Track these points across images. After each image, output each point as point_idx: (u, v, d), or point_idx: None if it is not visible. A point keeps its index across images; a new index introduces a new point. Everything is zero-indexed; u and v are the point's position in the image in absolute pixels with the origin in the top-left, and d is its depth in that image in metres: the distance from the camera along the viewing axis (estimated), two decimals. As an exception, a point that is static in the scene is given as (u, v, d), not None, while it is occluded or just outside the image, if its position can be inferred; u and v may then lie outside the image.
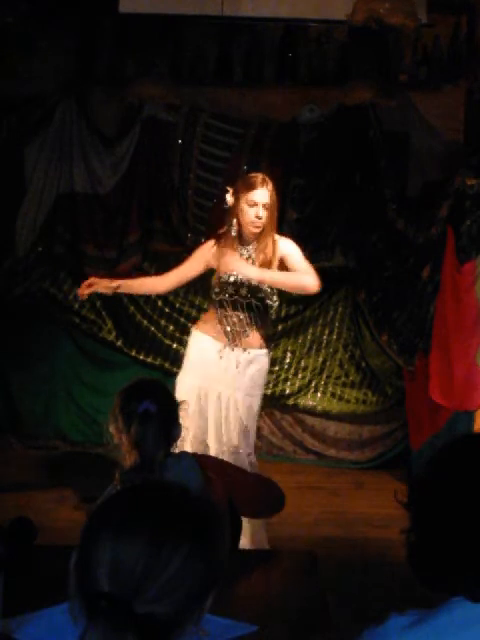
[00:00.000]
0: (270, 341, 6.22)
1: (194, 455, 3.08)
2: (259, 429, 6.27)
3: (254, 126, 6.15)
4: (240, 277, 4.23)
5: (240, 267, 4.21)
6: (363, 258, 6.07)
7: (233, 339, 4.27)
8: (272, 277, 4.26)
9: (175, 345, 6.14)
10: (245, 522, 3.92)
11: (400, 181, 6.07)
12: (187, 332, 6.09)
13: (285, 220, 6.17)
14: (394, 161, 6.01)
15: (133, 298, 6.24)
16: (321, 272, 6.20)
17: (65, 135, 6.13)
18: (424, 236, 5.59)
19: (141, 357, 6.24)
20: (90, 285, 4.34)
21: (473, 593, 1.44)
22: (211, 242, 4.40)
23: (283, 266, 4.34)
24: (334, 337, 6.24)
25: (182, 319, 6.20)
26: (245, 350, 4.28)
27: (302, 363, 6.23)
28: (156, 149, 6.17)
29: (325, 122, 6.09)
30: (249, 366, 4.28)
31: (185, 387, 4.25)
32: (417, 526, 1.52)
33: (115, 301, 6.24)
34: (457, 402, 5.17)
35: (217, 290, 4.28)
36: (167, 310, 6.24)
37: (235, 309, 4.27)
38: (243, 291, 4.26)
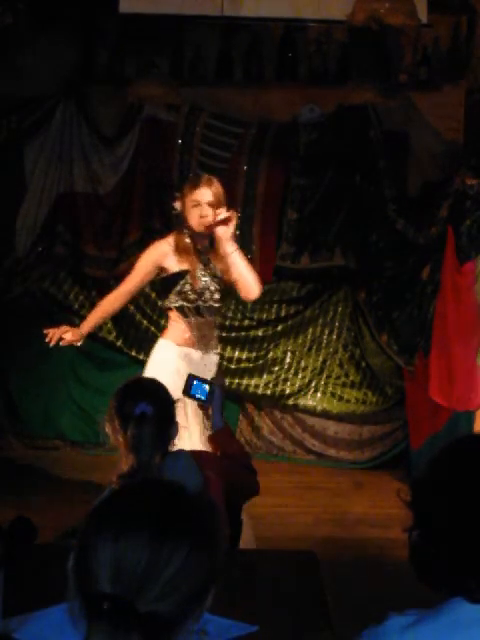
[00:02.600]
0: (272, 337, 6.29)
1: (192, 453, 3.07)
2: (259, 429, 6.29)
3: (254, 126, 6.15)
4: (206, 281, 4.24)
5: (229, 245, 4.20)
6: (363, 258, 6.07)
7: (203, 344, 4.29)
8: (241, 262, 4.26)
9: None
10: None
11: (400, 181, 6.07)
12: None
13: (285, 220, 6.18)
14: (394, 161, 6.01)
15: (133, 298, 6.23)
16: (321, 272, 6.29)
17: (65, 135, 6.13)
18: (424, 236, 5.60)
19: (141, 357, 6.23)
20: (61, 337, 4.24)
21: (472, 594, 1.44)
22: (162, 245, 4.32)
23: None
24: (334, 337, 6.24)
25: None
26: (210, 354, 4.33)
27: (302, 363, 6.23)
28: (156, 149, 6.17)
29: (325, 122, 6.09)
30: (212, 370, 4.31)
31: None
32: (418, 526, 1.52)
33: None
34: (457, 402, 5.18)
35: (193, 297, 4.26)
36: (167, 310, 6.24)
37: (207, 314, 4.29)
38: (216, 296, 4.29)
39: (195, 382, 3.41)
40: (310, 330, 6.27)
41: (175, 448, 3.03)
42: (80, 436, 6.23)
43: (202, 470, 2.92)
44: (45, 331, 4.29)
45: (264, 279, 6.22)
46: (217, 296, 4.30)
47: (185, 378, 4.13)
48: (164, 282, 4.35)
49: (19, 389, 6.28)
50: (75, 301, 6.24)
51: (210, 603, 1.35)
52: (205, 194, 4.22)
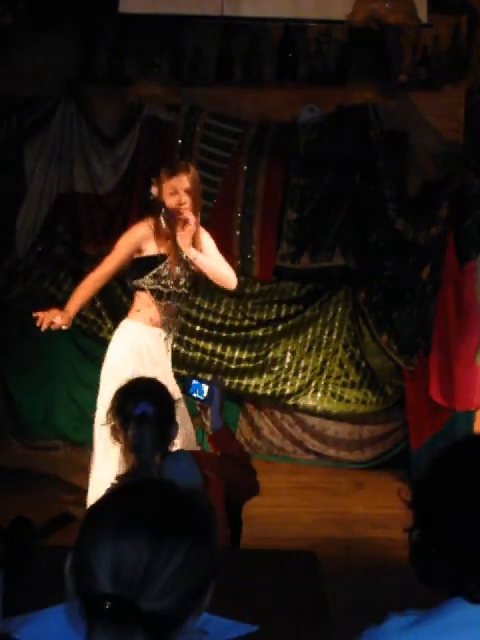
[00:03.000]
0: (272, 337, 6.29)
1: (192, 453, 3.07)
2: (259, 429, 6.29)
3: (254, 126, 6.15)
4: (184, 268, 4.31)
5: (190, 251, 4.30)
6: (363, 258, 6.07)
7: (168, 327, 4.38)
8: (208, 262, 4.37)
9: (174, 345, 6.14)
10: None
11: (400, 181, 6.07)
12: (186, 332, 6.12)
13: (285, 220, 6.18)
14: (394, 161, 6.01)
15: (133, 298, 6.23)
16: (321, 272, 6.28)
17: (65, 135, 6.13)
18: (424, 236, 5.60)
19: (141, 357, 6.24)
20: (44, 317, 4.23)
21: (472, 594, 1.44)
22: (142, 227, 4.32)
23: None
24: (334, 337, 6.24)
25: (181, 319, 6.19)
26: (170, 337, 4.45)
27: (302, 363, 6.23)
28: (156, 149, 6.17)
29: (325, 122, 6.09)
30: (168, 351, 4.46)
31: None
32: (418, 526, 1.52)
33: (115, 301, 6.25)
34: (457, 402, 5.18)
35: (169, 282, 4.31)
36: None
37: (177, 299, 4.37)
38: (187, 282, 4.38)
39: (194, 382, 3.41)
40: (310, 330, 6.26)
41: (175, 448, 3.04)
42: (80, 436, 6.22)
43: (202, 470, 2.93)
44: (34, 314, 4.26)
45: (264, 279, 6.26)
46: (188, 284, 4.40)
47: (151, 358, 4.21)
48: (139, 262, 4.35)
49: (19, 389, 6.28)
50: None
51: (209, 600, 1.36)
52: (183, 181, 4.26)
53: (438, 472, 1.55)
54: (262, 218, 6.16)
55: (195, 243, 4.37)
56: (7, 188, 6.14)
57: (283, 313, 6.25)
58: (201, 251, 4.38)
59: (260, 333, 6.25)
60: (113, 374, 4.27)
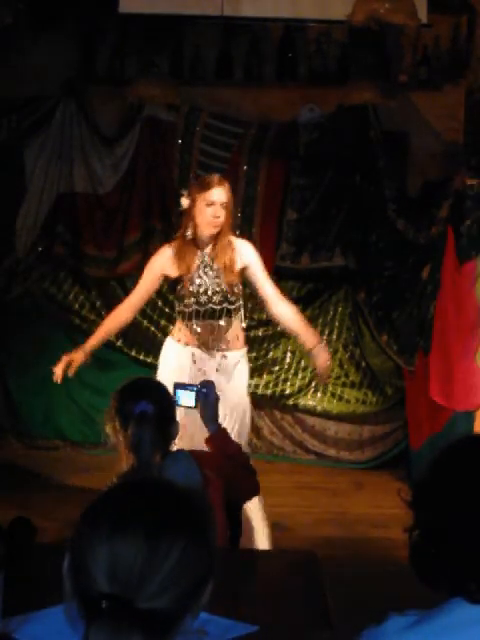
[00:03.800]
0: (272, 337, 6.29)
1: (192, 453, 3.07)
2: (259, 429, 6.28)
3: (254, 126, 6.15)
4: (211, 285, 4.19)
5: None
6: (363, 258, 6.07)
7: (213, 347, 4.23)
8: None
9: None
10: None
11: (400, 181, 6.07)
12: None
13: (285, 220, 6.18)
14: (394, 161, 6.01)
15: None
16: (321, 272, 6.28)
17: (65, 135, 6.13)
18: (424, 236, 5.60)
19: (141, 357, 6.24)
20: (69, 365, 4.24)
21: (472, 594, 1.44)
22: (164, 251, 4.30)
23: (242, 274, 4.31)
24: (334, 337, 6.24)
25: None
26: (226, 354, 4.26)
27: (302, 363, 6.23)
28: (156, 149, 6.17)
29: (325, 122, 6.09)
30: (234, 370, 4.27)
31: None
32: (418, 526, 1.53)
33: (115, 301, 6.23)
34: (457, 402, 5.17)
35: (189, 301, 4.21)
36: (167, 310, 6.23)
37: (211, 317, 4.22)
38: (216, 298, 4.21)
39: (177, 391, 3.37)
40: (310, 330, 6.26)
41: (175, 448, 3.04)
42: (80, 436, 6.23)
43: (202, 470, 2.93)
44: (53, 369, 4.27)
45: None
46: (218, 298, 4.21)
47: (188, 373, 4.15)
48: (171, 287, 4.36)
49: (19, 389, 6.28)
50: (75, 301, 6.24)
51: (207, 599, 1.36)
52: (220, 194, 4.15)
53: (438, 472, 1.55)
54: (262, 218, 6.16)
55: (222, 258, 4.22)
56: (7, 188, 6.14)
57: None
58: (234, 270, 4.23)
59: (260, 333, 6.25)
60: None
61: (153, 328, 6.22)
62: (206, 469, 2.95)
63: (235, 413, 4.20)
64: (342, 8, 4.82)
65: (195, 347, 4.25)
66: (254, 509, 4.09)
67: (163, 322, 6.24)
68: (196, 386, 3.40)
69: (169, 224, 6.20)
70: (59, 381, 4.28)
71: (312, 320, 6.25)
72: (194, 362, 4.23)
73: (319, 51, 6.18)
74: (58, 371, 4.25)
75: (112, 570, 1.28)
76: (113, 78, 6.14)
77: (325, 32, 6.12)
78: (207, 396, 3.33)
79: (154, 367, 6.14)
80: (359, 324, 6.18)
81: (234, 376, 4.27)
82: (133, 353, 6.24)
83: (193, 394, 3.33)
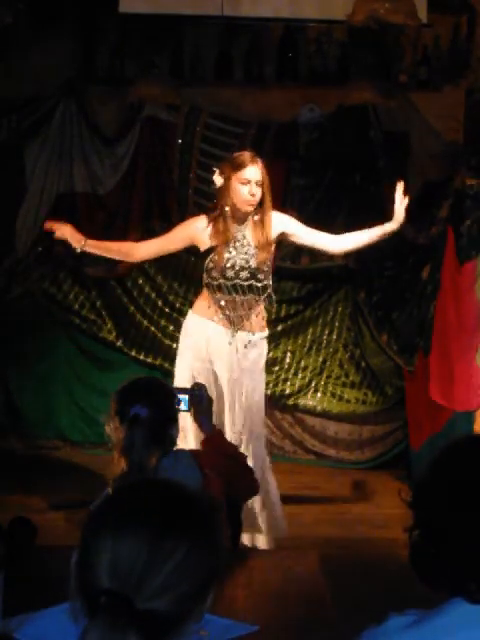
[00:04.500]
0: (272, 337, 6.27)
1: (192, 453, 3.07)
2: (259, 429, 6.28)
3: (254, 126, 6.15)
4: (240, 261, 4.17)
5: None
6: (363, 258, 6.06)
7: (235, 323, 4.20)
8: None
9: (175, 345, 6.13)
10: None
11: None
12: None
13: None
14: (394, 161, 6.01)
15: (133, 297, 6.24)
16: (321, 272, 6.28)
17: (65, 135, 6.13)
18: (424, 236, 5.60)
19: (141, 357, 6.25)
20: (59, 228, 4.25)
21: (472, 595, 1.44)
22: (200, 220, 4.26)
23: (281, 242, 4.35)
24: (334, 337, 6.24)
25: (182, 319, 6.16)
26: (248, 334, 4.21)
27: (302, 363, 6.23)
28: (156, 149, 6.17)
29: (325, 122, 6.09)
30: (251, 350, 4.22)
31: (191, 371, 4.20)
32: (418, 526, 1.53)
33: (115, 301, 6.25)
34: (457, 402, 5.17)
35: (216, 274, 4.18)
36: (167, 310, 6.24)
37: (235, 292, 4.19)
38: (244, 274, 4.19)
39: None
40: (310, 330, 6.26)
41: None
42: (80, 436, 6.23)
43: (202, 470, 2.92)
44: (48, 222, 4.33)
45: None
46: (245, 274, 4.19)
47: (208, 352, 4.12)
48: (200, 258, 4.31)
49: (19, 389, 6.28)
50: (75, 301, 6.24)
51: (210, 603, 1.35)
52: (254, 172, 4.13)
53: (438, 472, 1.55)
54: (262, 218, 6.15)
55: (257, 235, 4.21)
56: (7, 188, 6.14)
57: (283, 313, 6.25)
58: (269, 242, 4.22)
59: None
60: (176, 370, 4.27)
61: (153, 328, 6.23)
62: (206, 468, 2.95)
63: (249, 395, 4.19)
64: (342, 8, 4.83)
65: (216, 322, 4.21)
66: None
67: (163, 322, 6.24)
68: (189, 389, 3.38)
69: (169, 224, 6.20)
70: (47, 227, 4.30)
71: (312, 320, 6.27)
72: (211, 339, 4.19)
73: (319, 51, 6.18)
74: (53, 224, 4.27)
75: (113, 566, 1.29)
76: (113, 78, 6.14)
77: (325, 32, 6.12)
78: (200, 398, 3.31)
79: (154, 367, 6.19)
80: (359, 324, 6.18)
81: (250, 357, 4.23)
82: (133, 353, 6.24)
83: (186, 397, 3.31)
